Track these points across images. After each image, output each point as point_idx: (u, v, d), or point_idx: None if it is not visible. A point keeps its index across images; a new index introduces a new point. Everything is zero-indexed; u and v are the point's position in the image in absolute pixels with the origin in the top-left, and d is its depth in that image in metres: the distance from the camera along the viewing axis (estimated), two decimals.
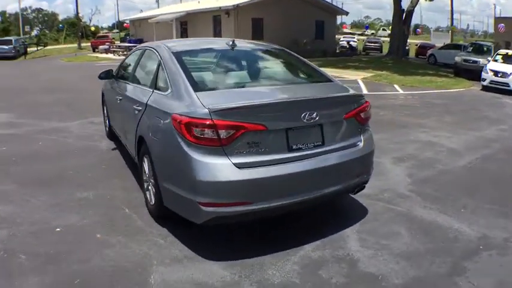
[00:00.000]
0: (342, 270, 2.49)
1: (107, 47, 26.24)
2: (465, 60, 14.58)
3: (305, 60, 3.82)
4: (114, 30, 54.22)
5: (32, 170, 4.10)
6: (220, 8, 22.47)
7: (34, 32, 45.99)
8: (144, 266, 2.49)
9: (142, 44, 4.43)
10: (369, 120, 3.27)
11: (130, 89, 3.89)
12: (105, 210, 3.21)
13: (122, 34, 41.67)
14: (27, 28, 42.65)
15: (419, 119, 6.80)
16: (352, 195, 3.45)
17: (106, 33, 44.51)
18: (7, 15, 52.74)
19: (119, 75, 4.51)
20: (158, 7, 46.85)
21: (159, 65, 3.42)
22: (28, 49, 28.05)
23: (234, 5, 21.50)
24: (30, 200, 3.36)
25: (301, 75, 3.79)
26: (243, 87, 3.32)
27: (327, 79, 3.49)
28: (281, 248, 2.76)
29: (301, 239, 2.89)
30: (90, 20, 56.29)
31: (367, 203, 3.44)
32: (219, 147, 2.67)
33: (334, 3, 31.51)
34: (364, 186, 3.32)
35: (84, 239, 2.78)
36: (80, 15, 41.16)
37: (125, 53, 23.91)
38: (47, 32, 48.87)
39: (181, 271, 2.47)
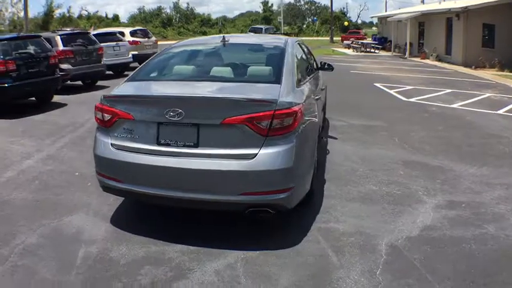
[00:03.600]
0: None
1: (349, 42, 27.76)
2: None
3: (284, 64, 3.38)
4: (374, 28, 54.90)
5: None
6: (450, 9, 20.95)
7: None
8: None
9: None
10: (285, 133, 2.79)
11: None
12: None
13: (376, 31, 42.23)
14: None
15: None
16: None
17: (357, 29, 45.99)
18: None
19: None
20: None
21: None
22: None
23: (463, 8, 19.63)
24: None
25: (247, 74, 3.50)
26: (169, 80, 3.47)
27: (272, 81, 3.18)
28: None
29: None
30: (358, 16, 58.56)
31: None
32: (105, 128, 3.06)
33: None
34: (270, 212, 2.91)
35: None
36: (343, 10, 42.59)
37: (362, 49, 25.29)
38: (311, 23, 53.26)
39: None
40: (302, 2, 66.97)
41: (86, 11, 52.91)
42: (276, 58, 3.56)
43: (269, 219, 3.27)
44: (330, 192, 4.01)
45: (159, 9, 55.13)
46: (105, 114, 3.05)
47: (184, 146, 2.84)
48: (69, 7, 71.93)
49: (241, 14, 59.98)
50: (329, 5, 44.12)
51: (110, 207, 3.65)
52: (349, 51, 26.15)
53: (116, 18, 51.83)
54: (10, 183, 4.27)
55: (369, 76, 13.35)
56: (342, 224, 3.38)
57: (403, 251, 2.95)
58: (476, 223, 3.35)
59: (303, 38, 40.17)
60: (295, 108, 2.88)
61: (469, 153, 5.27)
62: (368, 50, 25.55)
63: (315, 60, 5.60)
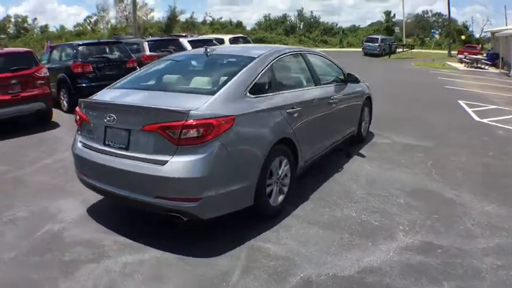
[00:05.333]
0: None
1: (463, 56, 24.76)
2: None
3: (237, 75, 3.29)
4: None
5: None
6: None
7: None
8: None
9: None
10: (197, 143, 2.75)
11: None
12: None
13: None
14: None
15: None
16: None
17: (476, 43, 39.25)
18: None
19: None
20: None
21: None
22: (397, 49, 29.89)
23: None
24: None
25: (191, 85, 3.50)
26: (129, 88, 3.52)
27: (207, 91, 3.14)
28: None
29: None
30: (482, 30, 50.58)
31: None
32: (78, 128, 3.43)
33: None
34: (182, 218, 2.90)
35: None
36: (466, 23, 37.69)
37: (473, 65, 22.21)
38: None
39: None
40: (430, 14, 61.15)
41: (210, 16, 54.67)
42: (235, 69, 3.45)
43: (191, 224, 3.12)
44: (300, 211, 3.67)
45: (284, 17, 55.61)
46: (77, 116, 3.43)
47: (119, 148, 3.03)
48: (192, 13, 73.28)
49: (372, 24, 57.14)
50: (456, 18, 38.58)
51: (97, 197, 3.98)
52: (460, 66, 22.84)
53: (239, 25, 53.19)
54: (42, 168, 5.01)
55: (459, 92, 11.43)
56: (278, 246, 3.09)
57: None
58: (436, 277, 2.67)
59: (422, 51, 37.30)
60: (210, 120, 2.81)
61: (502, 188, 4.16)
62: (478, 65, 22.00)
63: (343, 72, 5.17)
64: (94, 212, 3.70)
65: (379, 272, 2.72)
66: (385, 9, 55.32)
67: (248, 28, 53.08)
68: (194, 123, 2.75)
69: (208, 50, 3.93)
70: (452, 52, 31.42)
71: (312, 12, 58.43)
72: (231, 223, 3.36)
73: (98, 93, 3.66)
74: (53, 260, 2.95)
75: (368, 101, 5.99)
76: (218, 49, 4.40)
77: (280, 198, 3.61)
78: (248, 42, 18.36)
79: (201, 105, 2.90)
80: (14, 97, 6.40)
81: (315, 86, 4.40)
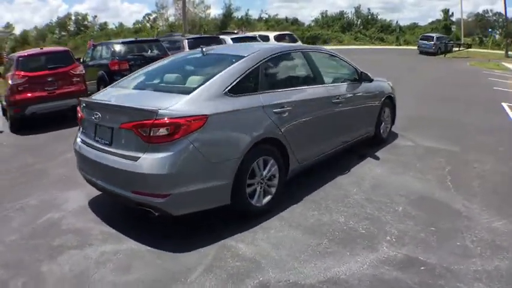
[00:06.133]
0: None
1: None
2: None
3: (219, 74, 3.23)
4: None
5: None
6: None
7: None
8: None
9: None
10: (166, 141, 2.76)
11: None
12: None
13: None
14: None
15: None
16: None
17: None
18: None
19: None
20: None
21: None
22: (454, 48, 27.83)
23: None
24: None
25: (172, 84, 3.50)
26: (120, 87, 3.63)
27: (184, 90, 3.12)
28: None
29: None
30: None
31: None
32: (79, 125, 3.56)
33: None
34: (154, 213, 2.92)
35: None
36: None
37: None
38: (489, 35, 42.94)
39: None
40: (490, 14, 55.64)
41: (266, 13, 53.79)
42: (220, 68, 3.36)
43: (176, 220, 3.10)
44: (287, 213, 3.46)
45: (342, 14, 53.73)
46: (78, 115, 3.56)
47: (104, 144, 3.13)
48: (247, 10, 72.22)
49: (432, 22, 53.36)
50: None
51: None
52: None
53: (294, 22, 51.81)
54: (63, 161, 5.24)
55: (505, 95, 10.04)
56: (250, 247, 2.94)
57: None
58: None
59: (480, 50, 33.66)
60: (178, 119, 2.79)
61: None
62: None
63: (356, 71, 4.82)
64: (94, 203, 3.80)
65: (344, 285, 2.45)
66: (447, 8, 51.03)
67: (307, 25, 52.07)
68: (162, 122, 2.76)
69: (204, 49, 3.86)
70: (509, 53, 28.59)
71: (369, 9, 55.70)
72: (213, 221, 3.28)
73: (99, 91, 3.81)
74: (44, 244, 3.10)
75: (389, 101, 5.50)
76: (216, 49, 4.30)
77: (267, 199, 3.45)
78: (294, 39, 18.02)
79: (172, 105, 2.89)
80: (50, 94, 6.84)
81: (316, 85, 4.11)
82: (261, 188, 3.38)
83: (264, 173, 3.38)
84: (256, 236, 3.09)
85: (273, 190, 3.50)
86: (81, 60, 10.47)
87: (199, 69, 3.67)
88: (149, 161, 2.78)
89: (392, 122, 5.76)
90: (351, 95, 4.59)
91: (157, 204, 2.84)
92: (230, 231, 3.13)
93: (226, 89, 3.17)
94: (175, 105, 2.90)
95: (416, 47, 29.04)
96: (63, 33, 49.00)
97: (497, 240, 2.90)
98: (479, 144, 5.43)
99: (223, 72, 3.27)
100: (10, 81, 6.86)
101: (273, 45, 4.27)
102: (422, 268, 2.59)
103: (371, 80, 4.96)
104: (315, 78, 4.16)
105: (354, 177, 4.28)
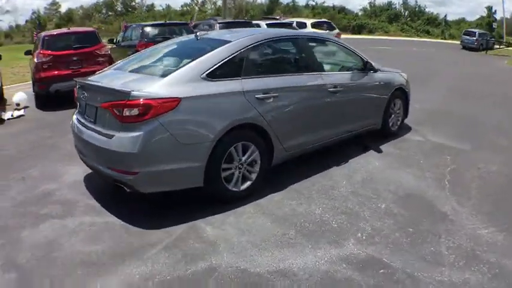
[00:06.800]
0: None
1: None
2: None
3: (199, 57, 3.18)
4: None
5: None
6: None
7: None
8: None
9: None
10: (136, 121, 2.78)
11: None
12: None
13: None
14: None
15: None
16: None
17: None
18: None
19: None
20: None
21: None
22: (495, 46, 25.89)
23: None
24: None
25: (156, 67, 3.51)
26: (114, 70, 3.66)
27: (161, 74, 3.15)
28: None
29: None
30: None
31: None
32: (76, 105, 3.59)
33: None
34: (126, 189, 2.97)
35: None
36: None
37: None
38: None
39: None
40: None
41: (313, 0, 51.19)
42: (204, 52, 3.29)
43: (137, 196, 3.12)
44: (265, 200, 3.35)
45: (389, 4, 51.24)
46: (75, 94, 3.63)
47: (90, 121, 3.20)
48: None
49: (480, 18, 49.30)
50: None
51: None
52: None
53: (341, 10, 49.74)
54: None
55: None
56: (216, 230, 2.90)
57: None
58: None
59: None
60: (149, 101, 2.79)
61: None
62: None
63: (362, 61, 4.52)
64: (89, 178, 3.87)
65: (293, 277, 2.33)
66: (491, 5, 46.42)
67: (354, 14, 50.05)
68: (134, 102, 2.78)
69: (198, 34, 3.80)
70: None
71: (416, 1, 52.35)
72: (190, 202, 3.26)
73: (97, 72, 3.86)
74: (32, 212, 3.24)
75: (400, 92, 5.12)
76: (210, 34, 4.17)
77: (247, 184, 3.36)
78: (332, 27, 17.43)
79: (147, 87, 2.90)
80: (75, 72, 7.01)
81: (309, 72, 3.89)
82: (239, 173, 3.29)
83: (244, 158, 3.28)
84: (227, 220, 3.02)
85: (254, 176, 3.40)
86: (115, 41, 10.76)
87: (186, 53, 3.59)
88: (120, 139, 2.83)
89: (405, 115, 5.37)
90: (352, 85, 4.32)
91: (127, 181, 2.88)
92: (203, 213, 3.09)
93: (204, 73, 3.09)
94: (150, 87, 2.90)
95: (459, 42, 27.60)
96: (110, 13, 48.55)
97: (477, 249, 2.61)
98: (494, 144, 4.91)
99: (204, 56, 3.21)
100: (36, 59, 7.15)
101: (268, 31, 4.08)
102: (381, 271, 2.39)
103: (377, 70, 4.63)
104: (308, 66, 3.94)
105: (348, 169, 4.06)
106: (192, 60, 3.17)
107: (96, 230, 2.94)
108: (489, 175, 3.88)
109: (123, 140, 2.82)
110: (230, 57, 3.29)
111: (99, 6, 49.88)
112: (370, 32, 41.11)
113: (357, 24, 43.41)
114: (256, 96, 3.30)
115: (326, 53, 4.49)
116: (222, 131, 3.05)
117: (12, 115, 6.70)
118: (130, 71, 3.44)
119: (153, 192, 3.05)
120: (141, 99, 2.78)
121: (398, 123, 5.24)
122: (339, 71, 4.49)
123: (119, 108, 2.82)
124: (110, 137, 2.89)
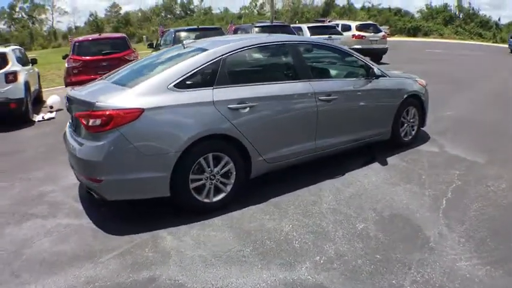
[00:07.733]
0: None
1: None
2: None
3: (174, 67, 3.14)
4: None
5: None
6: None
7: None
8: None
9: None
10: (99, 131, 2.80)
11: None
12: None
13: None
14: None
15: None
16: None
17: None
18: None
19: None
20: None
21: None
22: None
23: None
24: None
25: (132, 78, 3.37)
26: (103, 79, 3.63)
27: (129, 84, 3.11)
28: None
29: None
30: None
31: None
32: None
33: None
34: (95, 195, 3.03)
35: None
36: None
37: None
38: None
39: None
40: None
41: (369, 2, 48.82)
42: (177, 62, 3.25)
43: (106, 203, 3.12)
44: (238, 213, 3.15)
45: (445, 6, 47.60)
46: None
47: (73, 131, 3.28)
48: None
49: None
50: None
51: None
52: None
53: (398, 11, 47.30)
54: None
55: None
56: (175, 241, 2.79)
57: None
58: None
59: None
60: (110, 112, 2.80)
61: None
62: None
63: (366, 67, 4.13)
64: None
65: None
66: None
67: (410, 16, 47.28)
68: (97, 113, 2.81)
69: (184, 43, 3.73)
70: None
71: (469, 3, 47.95)
72: (164, 211, 3.20)
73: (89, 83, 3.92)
74: (22, 211, 3.39)
75: (415, 100, 4.61)
76: (197, 42, 4.02)
77: (221, 196, 3.21)
78: (378, 30, 16.55)
79: (111, 98, 2.91)
80: None
81: (295, 80, 3.62)
82: (211, 184, 3.16)
83: (216, 169, 3.14)
84: (190, 232, 2.90)
85: (229, 188, 3.24)
86: (154, 45, 11.19)
87: (164, 63, 3.52)
88: (86, 148, 2.90)
89: (421, 124, 4.82)
90: (350, 92, 3.96)
91: (94, 188, 2.94)
92: (171, 223, 3.01)
93: (172, 84, 3.01)
94: (114, 98, 2.92)
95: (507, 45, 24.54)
96: (168, 16, 48.18)
97: (447, 286, 2.18)
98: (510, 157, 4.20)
99: (175, 66, 3.15)
100: (66, 64, 7.62)
101: (252, 38, 3.88)
102: None
103: (382, 76, 4.20)
104: (296, 74, 3.66)
105: (341, 182, 3.72)
106: (163, 70, 3.12)
107: (68, 231, 2.99)
108: (496, 194, 3.29)
109: (90, 148, 2.87)
110: (203, 66, 3.16)
111: (158, 9, 49.72)
112: (425, 35, 38.56)
113: (412, 27, 40.98)
114: (229, 106, 3.14)
115: (323, 59, 4.18)
116: (188, 142, 2.94)
117: (43, 117, 6.96)
118: (113, 82, 3.47)
119: (119, 199, 3.04)
120: (103, 110, 2.80)
121: (413, 132, 4.72)
122: (336, 77, 4.16)
123: (86, 118, 2.87)
124: (81, 145, 2.97)
